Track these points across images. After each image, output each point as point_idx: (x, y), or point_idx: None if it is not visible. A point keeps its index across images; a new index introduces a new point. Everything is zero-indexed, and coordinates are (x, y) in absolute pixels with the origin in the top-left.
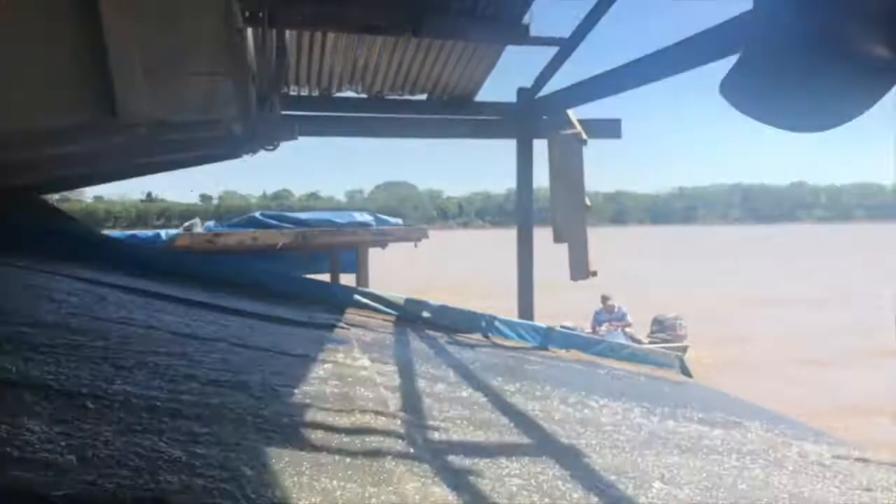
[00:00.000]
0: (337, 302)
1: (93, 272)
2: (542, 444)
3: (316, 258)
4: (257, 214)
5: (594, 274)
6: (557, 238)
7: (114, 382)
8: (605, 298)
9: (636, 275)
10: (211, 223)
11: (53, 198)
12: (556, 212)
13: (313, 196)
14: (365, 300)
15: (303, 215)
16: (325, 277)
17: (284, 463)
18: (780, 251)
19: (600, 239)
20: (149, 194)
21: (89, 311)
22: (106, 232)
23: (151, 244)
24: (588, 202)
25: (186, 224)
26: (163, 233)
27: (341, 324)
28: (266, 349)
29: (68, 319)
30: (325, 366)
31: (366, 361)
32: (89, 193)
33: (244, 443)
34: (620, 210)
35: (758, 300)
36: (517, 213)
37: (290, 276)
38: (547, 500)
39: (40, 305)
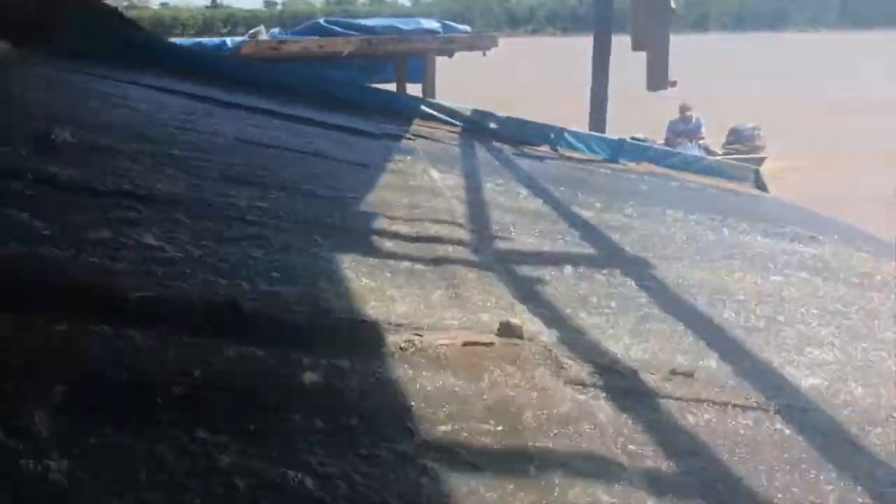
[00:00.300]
0: (403, 112)
1: (161, 80)
2: (611, 253)
3: (382, 67)
4: (321, 21)
5: (673, 84)
6: (636, 45)
7: (184, 188)
8: (683, 108)
9: (715, 85)
10: (276, 30)
11: (121, 4)
12: (637, 15)
13: (377, 1)
14: (431, 111)
15: (368, 22)
16: (391, 87)
17: (354, 268)
18: (877, 60)
19: (678, 47)
20: (214, 1)
21: (159, 117)
22: (173, 40)
23: (217, 52)
24: (673, 5)
25: (251, 31)
26: (228, 40)
27: (408, 134)
28: (334, 158)
29: (141, 126)
30: (393, 175)
31: (433, 172)
32: (155, 0)
33: (314, 249)
34: (703, 15)
35: (846, 108)
36: (594, 15)
37: (355, 85)
38: (615, 303)
39: (113, 112)
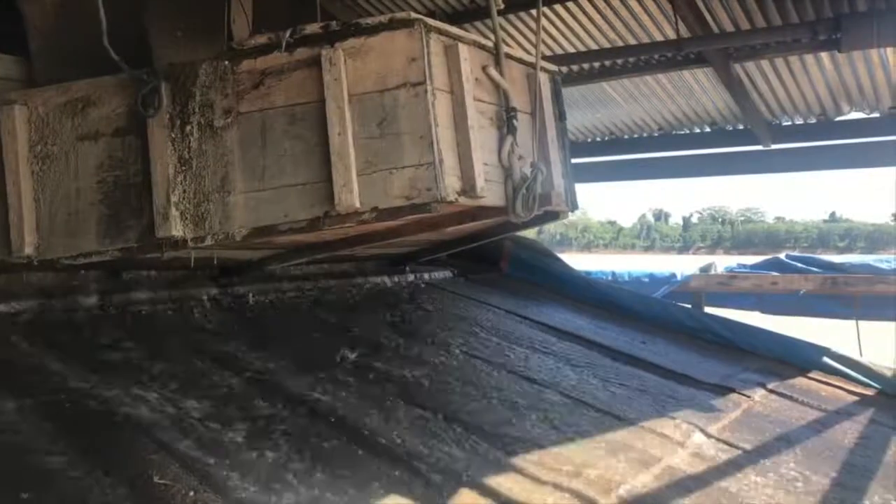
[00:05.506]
0: (793, 360)
1: (547, 312)
2: None
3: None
4: (782, 257)
5: None
6: None
7: None
8: None
9: None
10: (735, 265)
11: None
12: None
13: None
14: (835, 363)
15: (838, 259)
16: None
17: None
18: None
19: None
20: (832, 214)
21: (483, 353)
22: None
23: (664, 283)
24: None
25: (703, 266)
26: (679, 274)
27: (747, 391)
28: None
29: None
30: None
31: (751, 473)
32: (771, 213)
33: None
34: None
35: None
36: None
37: (749, 327)
38: None
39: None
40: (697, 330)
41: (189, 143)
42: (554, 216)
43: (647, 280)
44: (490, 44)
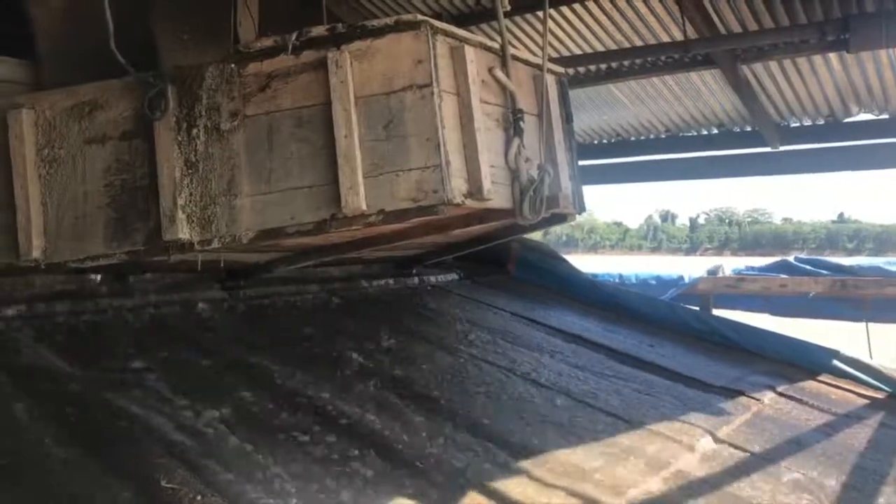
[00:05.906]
0: (802, 363)
1: (554, 315)
2: None
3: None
4: (791, 259)
5: None
6: None
7: None
8: None
9: None
10: (742, 267)
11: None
12: None
13: None
14: (845, 367)
15: (847, 262)
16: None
17: None
18: None
19: None
20: (840, 214)
21: (476, 354)
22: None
23: (671, 285)
24: None
25: (711, 268)
26: (686, 276)
27: (756, 394)
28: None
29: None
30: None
31: (761, 477)
32: (778, 214)
33: None
34: None
35: None
36: None
37: (757, 330)
38: None
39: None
40: (705, 332)
41: (195, 145)
42: (561, 218)
43: (654, 282)
44: (496, 45)
